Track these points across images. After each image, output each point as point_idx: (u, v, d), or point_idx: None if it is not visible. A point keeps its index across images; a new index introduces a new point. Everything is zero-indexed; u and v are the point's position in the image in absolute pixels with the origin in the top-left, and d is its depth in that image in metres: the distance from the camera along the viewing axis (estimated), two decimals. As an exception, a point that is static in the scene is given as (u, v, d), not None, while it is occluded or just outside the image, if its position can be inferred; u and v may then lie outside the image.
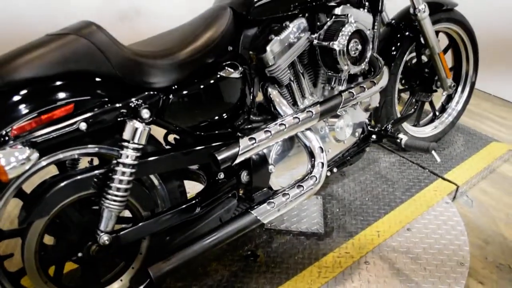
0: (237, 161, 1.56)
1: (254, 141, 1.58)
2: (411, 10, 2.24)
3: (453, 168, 2.54)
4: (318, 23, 1.85)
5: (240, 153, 1.55)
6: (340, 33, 1.77)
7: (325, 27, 1.81)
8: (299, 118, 1.68)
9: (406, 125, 2.53)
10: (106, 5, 3.23)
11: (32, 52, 1.26)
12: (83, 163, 1.62)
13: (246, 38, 1.74)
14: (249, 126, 1.79)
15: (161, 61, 1.46)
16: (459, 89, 2.71)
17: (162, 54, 1.49)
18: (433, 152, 1.89)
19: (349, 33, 1.78)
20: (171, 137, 1.79)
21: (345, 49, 1.77)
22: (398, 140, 2.04)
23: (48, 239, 1.52)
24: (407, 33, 2.31)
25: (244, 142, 1.57)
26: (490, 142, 2.79)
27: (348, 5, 1.96)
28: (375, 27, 2.09)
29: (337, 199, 2.29)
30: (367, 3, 2.06)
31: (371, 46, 1.88)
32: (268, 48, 1.71)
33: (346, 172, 2.47)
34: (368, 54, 1.88)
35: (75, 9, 3.13)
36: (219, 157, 1.52)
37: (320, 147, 1.76)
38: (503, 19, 3.23)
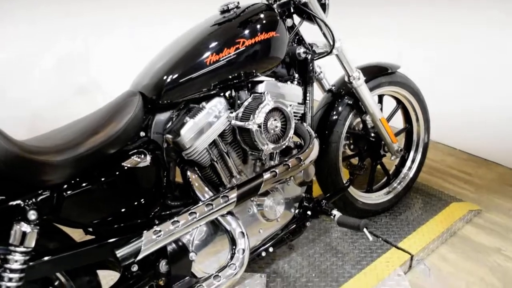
0: (141, 256, 1.47)
1: (159, 234, 1.50)
2: (346, 78, 2.20)
3: (409, 235, 2.43)
4: (239, 101, 1.81)
5: (143, 248, 1.47)
6: (256, 113, 1.71)
7: (242, 106, 1.76)
8: (212, 205, 1.61)
9: (355, 191, 2.44)
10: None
11: None
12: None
13: (159, 123, 1.69)
14: (167, 212, 1.71)
15: (54, 157, 1.40)
16: (412, 151, 2.63)
17: (57, 149, 1.43)
18: (364, 230, 1.80)
19: (265, 112, 1.72)
20: None
21: (261, 128, 1.71)
22: (332, 217, 1.95)
23: None
24: (345, 100, 2.26)
25: (148, 236, 1.49)
26: (451, 202, 2.69)
27: (273, 80, 1.92)
28: (308, 99, 2.05)
29: (282, 277, 2.17)
30: (296, 75, 2.02)
31: (292, 123, 1.82)
32: (182, 131, 1.66)
33: (295, 245, 2.37)
34: (290, 132, 1.82)
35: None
36: (119, 254, 1.44)
37: (241, 232, 1.67)
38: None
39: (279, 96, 1.88)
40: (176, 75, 1.65)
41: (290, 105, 1.84)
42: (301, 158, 1.83)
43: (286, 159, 1.82)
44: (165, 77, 1.65)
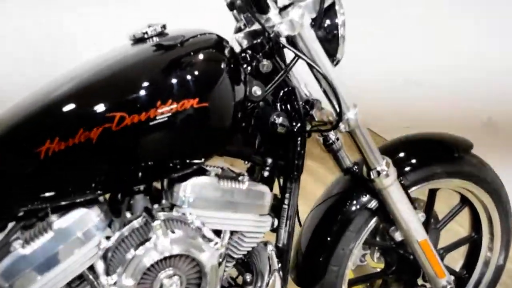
0: None
1: None
2: (364, 171, 1.27)
3: None
4: (129, 215, 0.98)
5: None
6: (124, 264, 0.87)
7: (122, 234, 0.93)
8: None
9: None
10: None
11: None
12: None
13: None
14: None
15: None
16: (476, 273, 1.65)
17: None
18: None
19: (145, 266, 0.88)
20: None
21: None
22: None
23: None
24: (366, 198, 1.34)
25: None
26: None
27: (211, 176, 1.04)
28: (286, 202, 1.16)
29: None
30: (269, 161, 1.14)
31: (210, 280, 0.96)
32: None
33: None
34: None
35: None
36: None
37: None
38: None
39: (217, 207, 1.01)
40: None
41: (216, 244, 0.96)
42: None
43: None
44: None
